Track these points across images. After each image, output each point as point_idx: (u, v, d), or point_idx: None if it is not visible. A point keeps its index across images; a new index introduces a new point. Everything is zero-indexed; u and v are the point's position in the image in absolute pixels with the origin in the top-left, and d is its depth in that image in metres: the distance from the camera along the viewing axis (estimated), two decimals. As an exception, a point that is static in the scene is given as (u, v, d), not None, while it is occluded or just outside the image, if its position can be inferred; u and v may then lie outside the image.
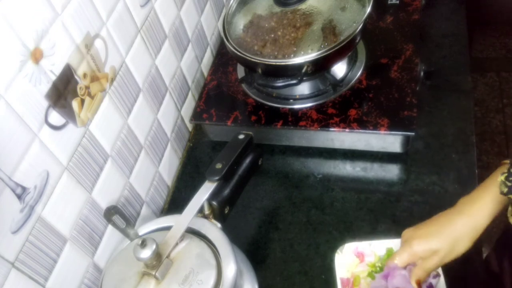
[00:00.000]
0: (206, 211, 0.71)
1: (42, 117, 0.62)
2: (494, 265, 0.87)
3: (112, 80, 0.77)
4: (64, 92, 0.66)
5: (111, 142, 0.78)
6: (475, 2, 1.60)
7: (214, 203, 0.70)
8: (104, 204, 0.76)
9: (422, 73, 1.00)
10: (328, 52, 0.85)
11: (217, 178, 0.69)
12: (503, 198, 0.63)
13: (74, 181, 0.69)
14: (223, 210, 0.72)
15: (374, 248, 0.75)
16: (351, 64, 0.98)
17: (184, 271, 0.62)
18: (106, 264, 0.76)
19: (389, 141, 0.89)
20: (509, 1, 2.02)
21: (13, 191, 0.58)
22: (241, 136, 0.76)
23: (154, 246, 0.59)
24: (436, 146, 0.90)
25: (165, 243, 0.63)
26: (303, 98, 0.95)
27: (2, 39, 0.55)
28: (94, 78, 0.72)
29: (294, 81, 0.85)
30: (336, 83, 0.93)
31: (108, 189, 0.77)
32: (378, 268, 0.73)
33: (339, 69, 0.96)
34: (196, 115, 0.99)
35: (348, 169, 0.92)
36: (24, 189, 0.60)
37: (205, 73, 1.11)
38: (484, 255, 0.88)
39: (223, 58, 1.08)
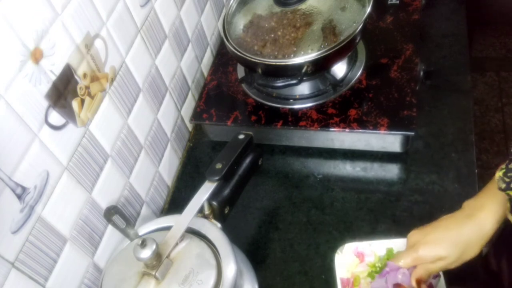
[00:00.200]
0: (206, 211, 0.71)
1: (42, 117, 0.62)
2: (493, 264, 0.87)
3: (112, 80, 0.77)
4: (64, 92, 0.66)
5: (111, 142, 0.78)
6: (475, 2, 1.60)
7: (214, 203, 0.70)
8: (104, 204, 0.76)
9: (422, 73, 1.01)
10: (328, 52, 0.85)
11: (217, 178, 0.69)
12: (507, 199, 0.63)
13: (74, 181, 0.69)
14: (223, 210, 0.72)
15: (374, 248, 0.75)
16: (351, 64, 0.98)
17: (184, 271, 0.62)
18: (106, 264, 0.76)
19: (389, 141, 0.89)
20: (509, 1, 2.02)
21: (13, 191, 0.58)
22: (241, 136, 0.76)
23: (154, 246, 0.59)
24: (435, 145, 0.90)
25: (165, 243, 0.63)
26: (303, 98, 0.95)
27: (2, 39, 0.55)
28: (94, 78, 0.72)
29: (294, 81, 0.85)
30: (336, 83, 0.93)
31: (108, 189, 0.77)
32: (378, 268, 0.73)
33: (339, 69, 0.96)
34: (196, 115, 0.99)
35: (348, 169, 0.92)
36: (24, 189, 0.60)
37: (205, 73, 1.11)
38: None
39: (223, 58, 1.08)
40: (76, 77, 0.68)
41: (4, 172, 0.57)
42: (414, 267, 0.66)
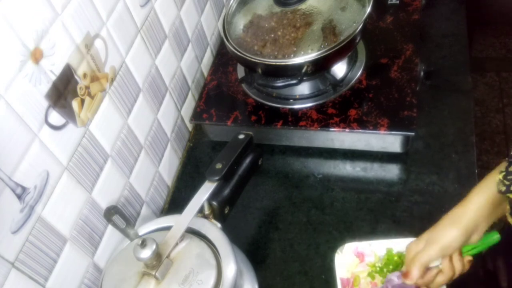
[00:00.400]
0: (206, 211, 0.71)
1: (42, 117, 0.62)
2: (489, 263, 0.88)
3: (112, 80, 0.77)
4: (64, 92, 0.66)
5: (111, 142, 0.78)
6: (475, 2, 1.60)
7: (214, 203, 0.70)
8: (104, 204, 0.76)
9: (422, 73, 1.00)
10: (328, 52, 0.85)
11: (217, 178, 0.69)
12: (499, 200, 0.63)
13: (74, 181, 0.69)
14: (223, 210, 0.72)
15: (374, 248, 0.75)
16: (351, 64, 0.98)
17: (184, 271, 0.62)
18: (106, 264, 0.76)
19: (389, 141, 0.89)
20: (509, 1, 2.02)
21: (13, 191, 0.58)
22: (241, 136, 0.76)
23: (154, 246, 0.59)
24: (436, 146, 0.90)
25: (165, 243, 0.63)
26: (303, 98, 0.95)
27: (2, 39, 0.55)
28: (94, 78, 0.72)
29: (294, 81, 0.85)
30: (336, 83, 0.93)
31: (108, 189, 0.77)
32: (378, 268, 0.73)
33: (339, 69, 0.96)
34: (196, 115, 0.99)
35: (348, 169, 0.92)
36: (24, 189, 0.60)
37: (205, 73, 1.11)
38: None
39: (223, 58, 1.08)
40: (76, 77, 0.68)
41: (4, 172, 0.57)
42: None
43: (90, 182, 0.73)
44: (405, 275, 0.66)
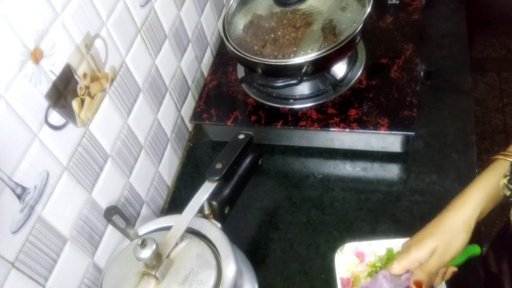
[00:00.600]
0: (206, 211, 0.71)
1: (42, 117, 0.62)
2: (493, 266, 0.87)
3: (112, 80, 0.77)
4: (64, 92, 0.66)
5: (111, 142, 0.78)
6: (475, 2, 1.60)
7: (214, 203, 0.70)
8: (104, 204, 0.76)
9: (422, 73, 1.00)
10: (328, 52, 0.85)
11: (217, 178, 0.69)
12: (493, 193, 0.63)
13: (74, 181, 0.69)
14: (223, 210, 0.72)
15: (374, 248, 0.75)
16: (351, 64, 0.98)
17: (184, 271, 0.62)
18: (106, 264, 0.76)
19: (389, 141, 0.89)
20: (509, 1, 2.02)
21: (13, 191, 0.58)
22: (241, 136, 0.76)
23: (154, 246, 0.59)
24: (436, 145, 0.90)
25: (165, 243, 0.63)
26: (303, 98, 0.95)
27: (2, 39, 0.55)
28: (94, 78, 0.72)
29: (294, 81, 0.85)
30: (336, 83, 0.93)
31: (108, 189, 0.77)
32: (378, 268, 0.73)
33: (339, 69, 0.96)
34: (196, 115, 0.99)
35: (348, 169, 0.92)
36: (24, 189, 0.60)
37: (205, 73, 1.11)
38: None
39: (223, 58, 1.08)
40: (76, 77, 0.68)
41: (4, 172, 0.57)
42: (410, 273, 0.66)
43: (90, 182, 0.73)
44: (416, 284, 0.65)
